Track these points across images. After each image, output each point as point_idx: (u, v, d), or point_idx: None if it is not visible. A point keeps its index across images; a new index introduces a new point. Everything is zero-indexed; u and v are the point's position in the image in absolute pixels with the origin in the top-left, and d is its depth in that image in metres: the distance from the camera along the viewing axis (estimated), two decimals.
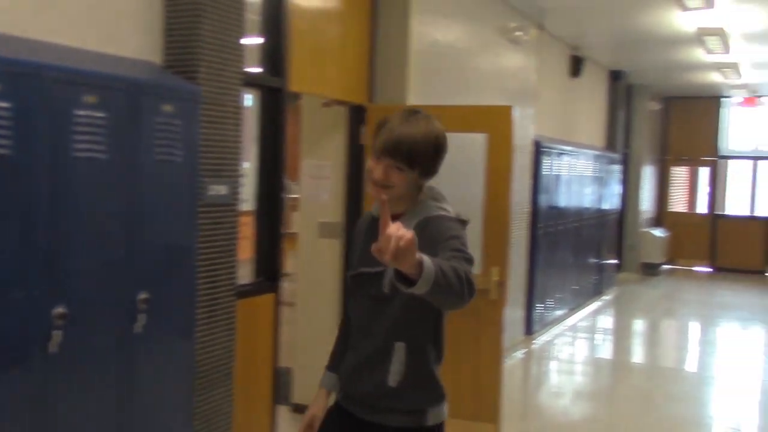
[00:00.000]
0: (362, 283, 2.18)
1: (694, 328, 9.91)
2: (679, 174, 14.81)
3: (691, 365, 7.95)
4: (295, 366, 5.24)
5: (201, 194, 3.16)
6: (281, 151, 4.03)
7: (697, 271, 14.14)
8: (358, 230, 2.34)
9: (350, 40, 4.82)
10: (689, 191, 14.99)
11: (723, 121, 14.31)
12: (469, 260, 2.00)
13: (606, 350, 8.40)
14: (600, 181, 10.06)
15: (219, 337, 3.32)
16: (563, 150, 8.25)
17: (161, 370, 2.96)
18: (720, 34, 7.01)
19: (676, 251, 14.21)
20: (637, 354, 8.54)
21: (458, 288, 1.84)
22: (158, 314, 2.85)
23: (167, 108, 2.89)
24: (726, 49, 7.87)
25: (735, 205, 14.68)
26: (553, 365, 7.40)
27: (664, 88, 13.12)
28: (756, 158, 14.26)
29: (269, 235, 4.02)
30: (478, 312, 4.47)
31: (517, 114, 4.53)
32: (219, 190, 3.29)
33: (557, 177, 8.03)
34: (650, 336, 9.55)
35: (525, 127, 7.06)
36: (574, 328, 8.74)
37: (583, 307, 9.51)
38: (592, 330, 9.20)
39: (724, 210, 14.55)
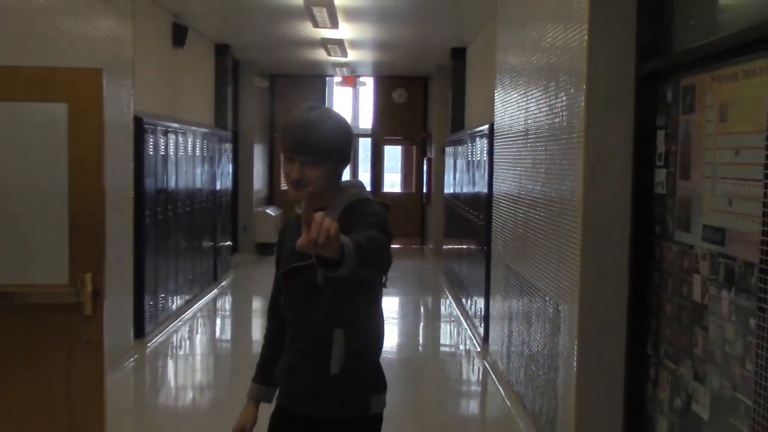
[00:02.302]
0: (295, 277, 2.20)
1: None
2: None
3: None
4: None
5: None
6: None
7: None
8: (285, 230, 2.37)
9: None
10: None
11: (328, 100, 14.70)
12: (385, 231, 2.04)
13: (225, 339, 7.87)
14: (211, 160, 9.44)
15: None
16: (170, 127, 7.43)
17: None
18: (327, 5, 6.82)
19: None
20: (258, 339, 8.19)
21: (377, 259, 1.94)
22: None
23: None
24: (334, 23, 7.75)
25: None
26: (172, 367, 6.61)
27: (270, 65, 12.95)
28: (355, 135, 14.96)
29: None
30: (69, 332, 3.50)
31: (106, 80, 3.61)
32: None
33: (165, 157, 7.19)
34: (264, 320, 9.27)
35: (122, 101, 6.10)
36: (193, 320, 8.04)
37: (201, 296, 8.85)
38: (212, 319, 8.61)
39: None
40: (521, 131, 5.15)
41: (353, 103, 15.03)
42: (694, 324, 2.94)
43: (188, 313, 8.11)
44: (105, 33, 5.77)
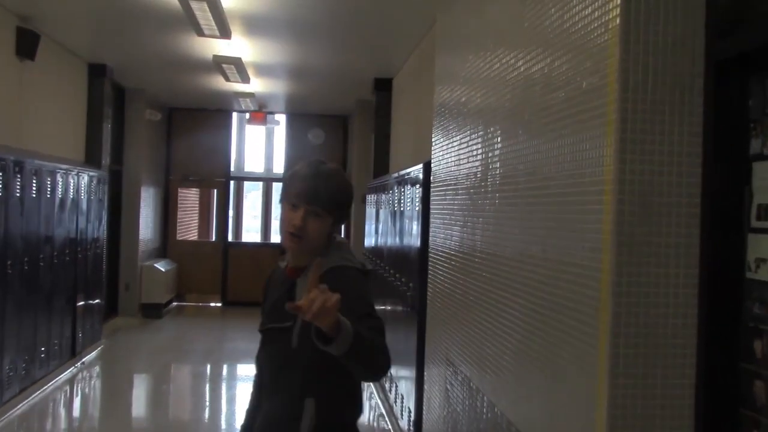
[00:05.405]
0: (270, 338, 2.18)
1: (200, 393, 7.94)
2: (188, 197, 13.00)
3: None
4: None
5: None
6: None
7: (209, 307, 12.43)
8: (269, 283, 2.35)
9: None
10: (200, 217, 13.30)
11: (236, 139, 12.90)
12: (382, 328, 1.99)
13: None
14: (74, 204, 7.51)
15: None
16: (2, 159, 5.54)
17: None
18: (213, 8, 5.12)
19: (186, 286, 12.35)
20: None
21: (373, 364, 1.92)
22: None
23: None
24: (224, 32, 6.04)
25: (250, 231, 13.45)
26: None
27: (165, 95, 11.11)
28: (269, 180, 13.19)
29: None
30: None
31: None
32: None
33: None
34: (147, 410, 7.28)
35: None
36: (25, 421, 6.01)
37: (46, 381, 6.82)
38: (58, 416, 6.60)
39: (238, 237, 13.18)
40: (473, 175, 3.52)
41: (266, 144, 13.27)
42: None
43: (15, 411, 6.07)
44: None
